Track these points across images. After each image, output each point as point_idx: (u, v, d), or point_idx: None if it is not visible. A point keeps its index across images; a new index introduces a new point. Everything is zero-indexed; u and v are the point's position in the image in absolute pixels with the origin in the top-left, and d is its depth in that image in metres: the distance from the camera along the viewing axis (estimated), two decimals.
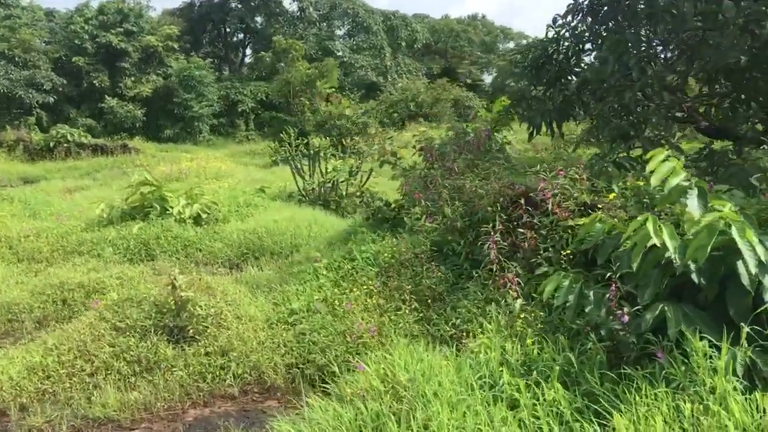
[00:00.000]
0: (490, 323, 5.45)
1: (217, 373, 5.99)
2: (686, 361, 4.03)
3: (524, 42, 59.58)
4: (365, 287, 6.63)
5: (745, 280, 4.08)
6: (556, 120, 8.46)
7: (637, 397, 3.92)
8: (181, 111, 39.05)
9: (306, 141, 15.81)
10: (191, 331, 6.35)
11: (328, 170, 15.13)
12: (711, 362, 3.92)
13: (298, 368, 6.04)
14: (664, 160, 4.73)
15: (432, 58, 61.41)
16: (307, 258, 8.72)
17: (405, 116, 40.68)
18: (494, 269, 5.79)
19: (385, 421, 4.11)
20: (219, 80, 43.79)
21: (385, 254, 7.00)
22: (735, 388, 3.70)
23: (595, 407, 4.15)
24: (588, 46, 8.63)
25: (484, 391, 4.34)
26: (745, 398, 3.65)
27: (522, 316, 5.16)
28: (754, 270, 3.99)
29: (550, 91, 8.74)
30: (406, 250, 6.83)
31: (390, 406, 4.22)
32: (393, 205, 9.67)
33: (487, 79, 62.08)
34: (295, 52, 36.01)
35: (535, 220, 5.99)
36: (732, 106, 6.96)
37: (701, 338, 4.05)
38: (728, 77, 6.71)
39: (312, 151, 14.95)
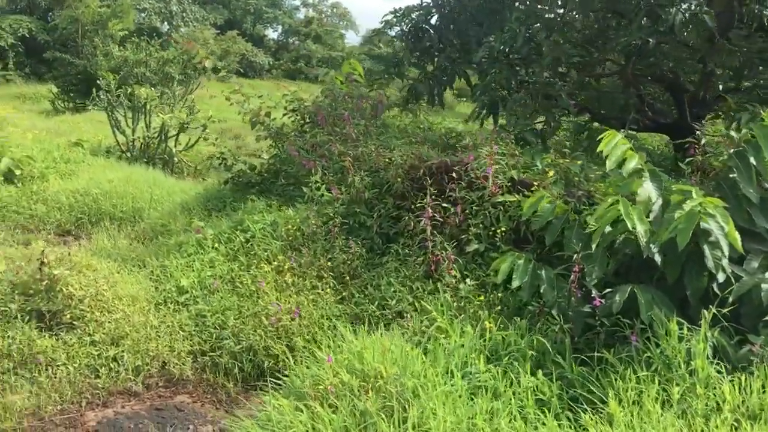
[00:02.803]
0: (423, 303, 5.24)
1: (111, 365, 5.09)
2: (658, 343, 4.16)
3: None
4: (275, 263, 6.03)
5: (710, 263, 4.29)
6: (437, 88, 8.36)
7: (621, 382, 3.96)
8: None
9: (130, 90, 14.12)
10: (68, 315, 5.33)
11: (153, 124, 13.70)
12: (686, 345, 4.07)
13: (207, 356, 5.35)
14: (615, 144, 4.80)
15: (215, 7, 58.17)
16: (185, 227, 7.78)
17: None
18: (428, 246, 5.54)
19: (374, 421, 3.72)
20: None
21: (290, 226, 6.41)
22: (719, 371, 3.88)
23: (572, 392, 4.17)
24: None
25: (466, 381, 4.13)
26: (730, 380, 3.83)
27: (480, 297, 4.99)
28: (726, 254, 4.20)
29: (428, 59, 8.62)
30: (315, 222, 6.32)
31: (372, 404, 3.83)
32: (258, 170, 9.00)
33: (272, 34, 60.76)
34: None
35: (462, 195, 5.81)
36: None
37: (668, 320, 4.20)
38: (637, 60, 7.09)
39: (136, 102, 13.40)
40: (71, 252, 6.27)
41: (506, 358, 4.36)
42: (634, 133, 8.13)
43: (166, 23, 48.99)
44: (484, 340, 4.55)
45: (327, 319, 5.49)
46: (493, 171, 5.64)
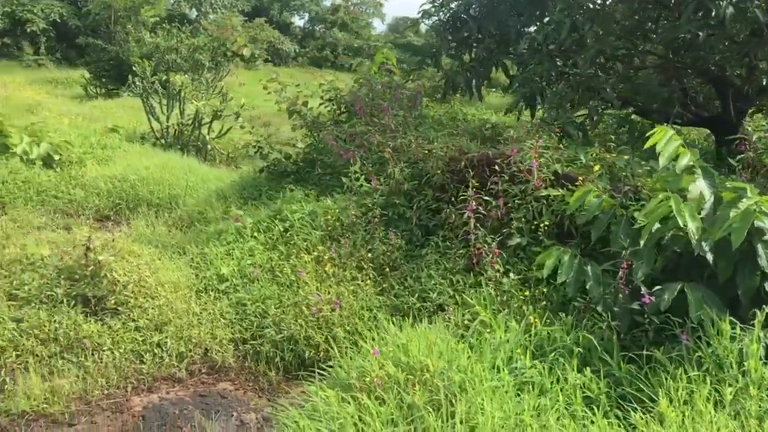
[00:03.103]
0: (465, 297, 5.22)
1: (155, 351, 5.15)
2: (709, 342, 4.09)
3: None
4: (314, 253, 6.04)
5: (763, 262, 4.21)
6: (475, 79, 8.28)
7: (671, 381, 3.90)
8: None
9: (165, 77, 14.23)
10: (113, 301, 5.40)
11: (186, 111, 13.79)
12: (739, 345, 4.00)
13: (248, 344, 5.38)
14: (668, 140, 4.73)
15: None
16: (223, 215, 7.84)
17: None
18: (471, 239, 5.50)
19: (421, 415, 3.71)
20: None
21: (329, 216, 6.42)
22: None
23: (620, 390, 4.13)
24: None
25: (512, 376, 4.10)
26: None
27: (525, 292, 4.95)
28: None
29: (469, 50, 8.54)
30: (354, 212, 6.31)
31: (419, 397, 3.82)
32: (294, 159, 9.02)
33: (298, 21, 60.69)
34: None
35: (504, 188, 5.76)
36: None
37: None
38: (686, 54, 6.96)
39: (172, 89, 13.49)
40: (114, 238, 6.34)
41: (552, 354, 4.32)
42: (678, 127, 8.00)
43: (194, 10, 49.20)
44: (529, 336, 4.52)
45: (368, 310, 5.49)
46: (537, 164, 5.57)
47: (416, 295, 5.55)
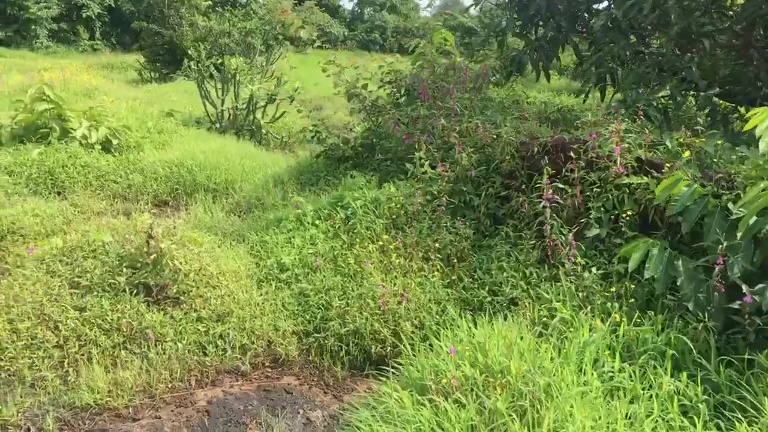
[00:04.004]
0: (540, 291, 4.92)
1: (218, 343, 5.00)
2: None
3: None
4: (379, 242, 5.81)
5: None
6: (543, 60, 7.87)
7: None
8: (15, 11, 34.42)
9: (220, 61, 14.16)
10: (175, 290, 5.27)
11: (241, 95, 13.69)
12: None
13: (312, 337, 5.19)
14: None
15: None
16: (282, 202, 7.68)
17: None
18: (547, 230, 5.18)
19: (504, 421, 3.45)
20: None
21: (393, 204, 6.17)
22: None
23: (718, 397, 3.79)
24: None
25: (601, 381, 3.80)
26: None
27: (612, 288, 4.62)
28: None
29: (535, 28, 8.12)
30: (421, 200, 6.04)
31: (501, 403, 3.56)
32: (352, 143, 8.78)
33: (346, 4, 60.56)
34: None
35: (580, 175, 5.40)
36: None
37: None
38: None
39: (228, 73, 13.40)
40: (176, 225, 6.22)
41: (642, 357, 4.00)
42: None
43: None
44: (616, 336, 4.20)
45: (436, 303, 5.24)
46: (620, 150, 5.20)
47: (486, 288, 5.29)
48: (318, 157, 9.12)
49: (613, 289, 4.57)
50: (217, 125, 13.47)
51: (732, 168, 4.96)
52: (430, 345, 4.45)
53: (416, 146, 6.62)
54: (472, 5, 8.77)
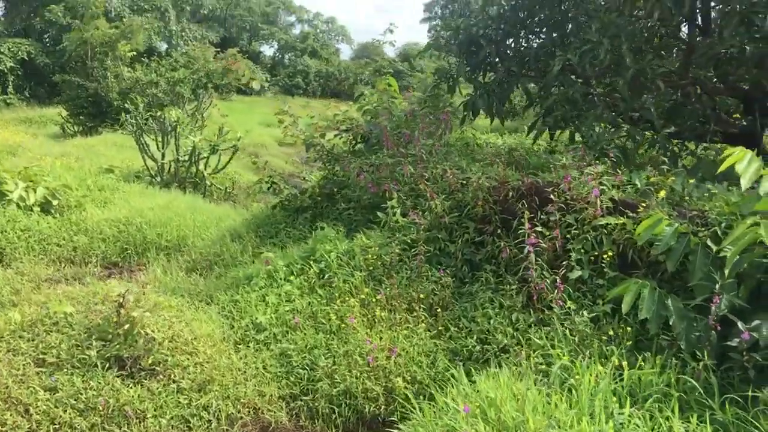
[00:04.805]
0: (531, 337, 4.89)
1: (201, 414, 4.72)
2: None
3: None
4: (360, 295, 5.67)
5: None
6: (495, 103, 8.03)
7: None
8: None
9: (160, 113, 13.80)
10: (150, 360, 4.97)
11: (183, 147, 13.36)
12: None
13: (300, 401, 4.98)
14: (749, 161, 4.48)
15: (210, 25, 57.89)
16: (250, 257, 7.42)
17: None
18: (533, 274, 5.18)
19: None
20: None
21: (369, 255, 6.05)
22: None
23: None
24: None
25: (617, 431, 3.76)
26: None
27: (609, 331, 4.63)
28: None
29: (484, 73, 8.29)
30: (398, 250, 5.96)
31: None
32: (309, 193, 8.64)
33: (267, 51, 60.88)
34: (95, 8, 31.75)
35: (557, 218, 5.46)
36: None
37: None
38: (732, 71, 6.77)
39: (167, 125, 13.07)
40: (145, 291, 5.91)
41: (648, 401, 3.99)
42: (706, 144, 7.82)
43: (165, 43, 49.05)
44: (620, 380, 4.19)
45: (425, 355, 5.14)
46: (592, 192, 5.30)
47: (474, 337, 5.22)
48: (275, 209, 8.93)
49: (611, 332, 4.58)
50: (158, 179, 13.07)
51: (703, 205, 5.12)
52: (430, 402, 4.33)
53: (386, 194, 6.56)
54: (421, 53, 8.88)
